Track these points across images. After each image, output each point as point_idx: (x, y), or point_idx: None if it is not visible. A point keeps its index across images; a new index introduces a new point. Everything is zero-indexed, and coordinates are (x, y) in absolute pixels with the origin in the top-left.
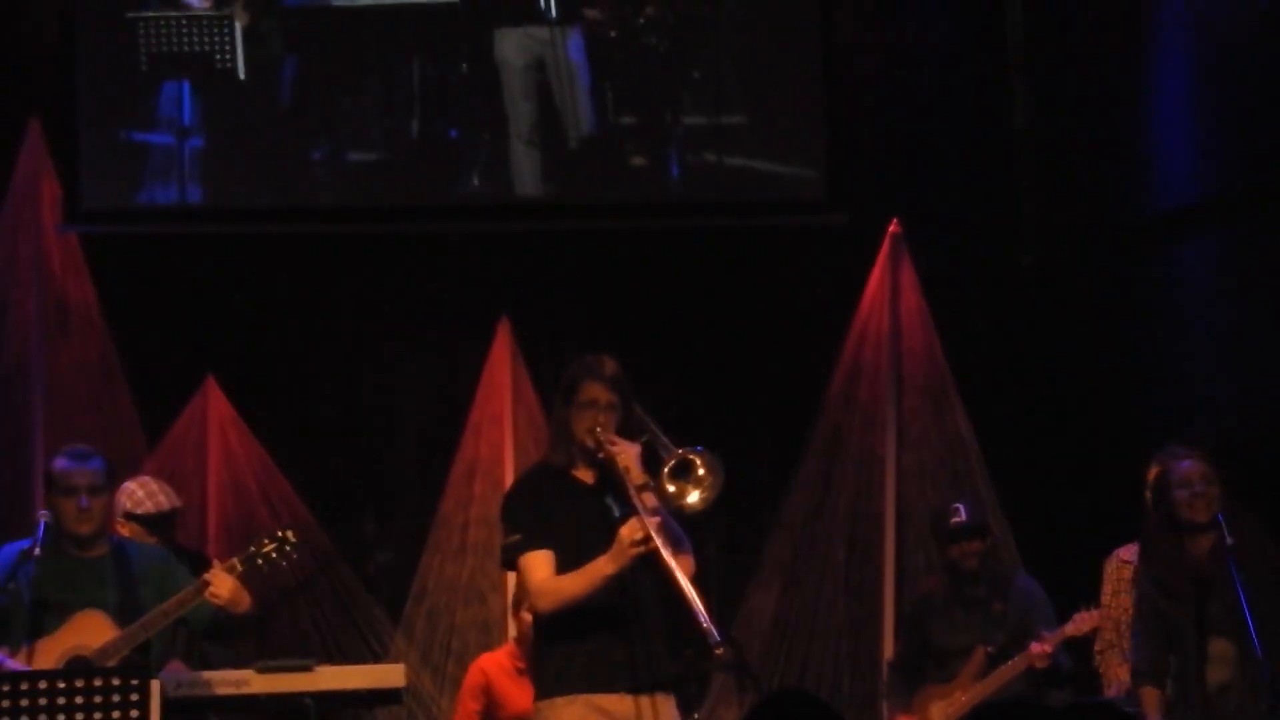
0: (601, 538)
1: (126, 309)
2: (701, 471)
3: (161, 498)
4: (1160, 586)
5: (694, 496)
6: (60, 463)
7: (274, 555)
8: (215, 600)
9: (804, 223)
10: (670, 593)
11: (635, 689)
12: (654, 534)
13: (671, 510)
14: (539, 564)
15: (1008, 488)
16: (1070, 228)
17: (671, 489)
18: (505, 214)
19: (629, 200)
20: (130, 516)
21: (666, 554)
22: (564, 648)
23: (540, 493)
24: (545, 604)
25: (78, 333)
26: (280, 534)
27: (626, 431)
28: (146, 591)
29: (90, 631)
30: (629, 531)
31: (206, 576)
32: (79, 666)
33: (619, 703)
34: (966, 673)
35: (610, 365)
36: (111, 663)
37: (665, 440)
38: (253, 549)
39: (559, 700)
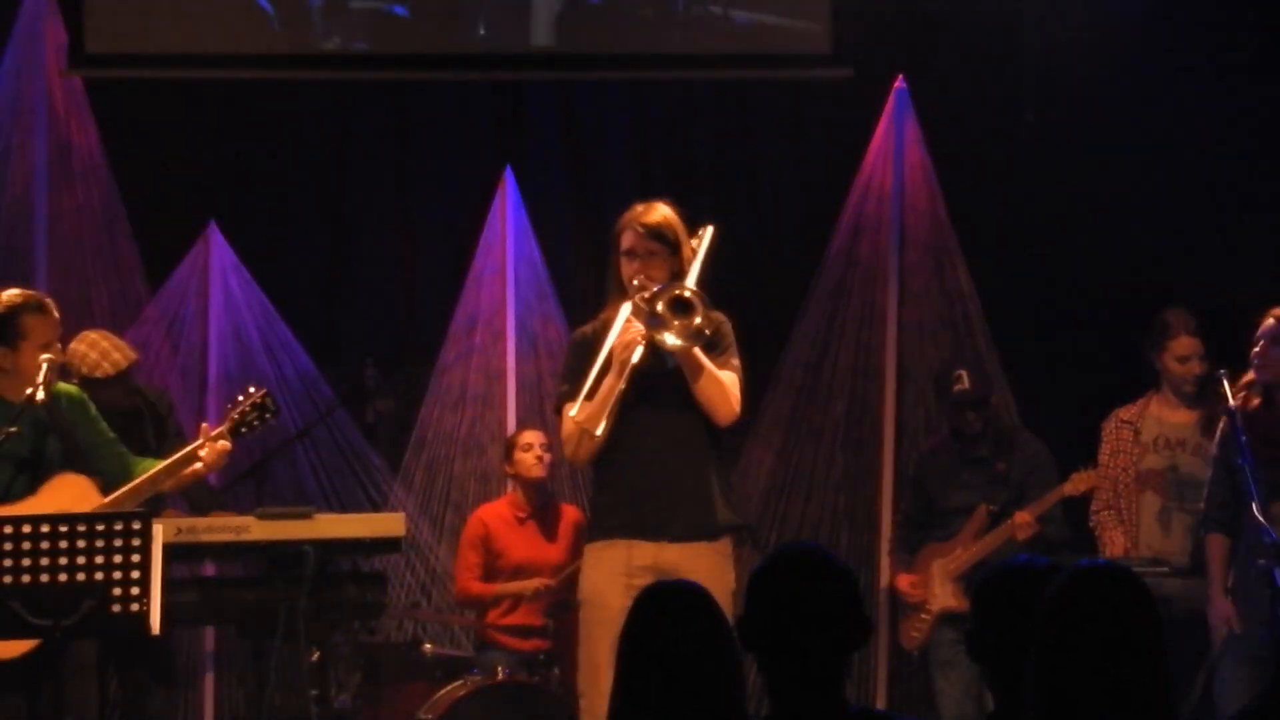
0: (653, 386)
1: (129, 154)
2: (698, 320)
3: (116, 355)
4: (1238, 444)
5: (673, 339)
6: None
7: (254, 421)
8: (202, 468)
9: (809, 77)
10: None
11: (679, 537)
12: (644, 328)
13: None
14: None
15: (1009, 345)
16: (1074, 84)
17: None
18: (510, 64)
19: (634, 52)
20: (88, 382)
21: (659, 338)
22: (609, 493)
23: (592, 344)
24: (571, 449)
25: (80, 177)
26: (256, 399)
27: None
28: (81, 435)
29: (72, 496)
30: (618, 340)
31: (198, 449)
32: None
33: (660, 550)
34: (968, 530)
35: (651, 212)
36: None
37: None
38: (235, 417)
39: (599, 544)
